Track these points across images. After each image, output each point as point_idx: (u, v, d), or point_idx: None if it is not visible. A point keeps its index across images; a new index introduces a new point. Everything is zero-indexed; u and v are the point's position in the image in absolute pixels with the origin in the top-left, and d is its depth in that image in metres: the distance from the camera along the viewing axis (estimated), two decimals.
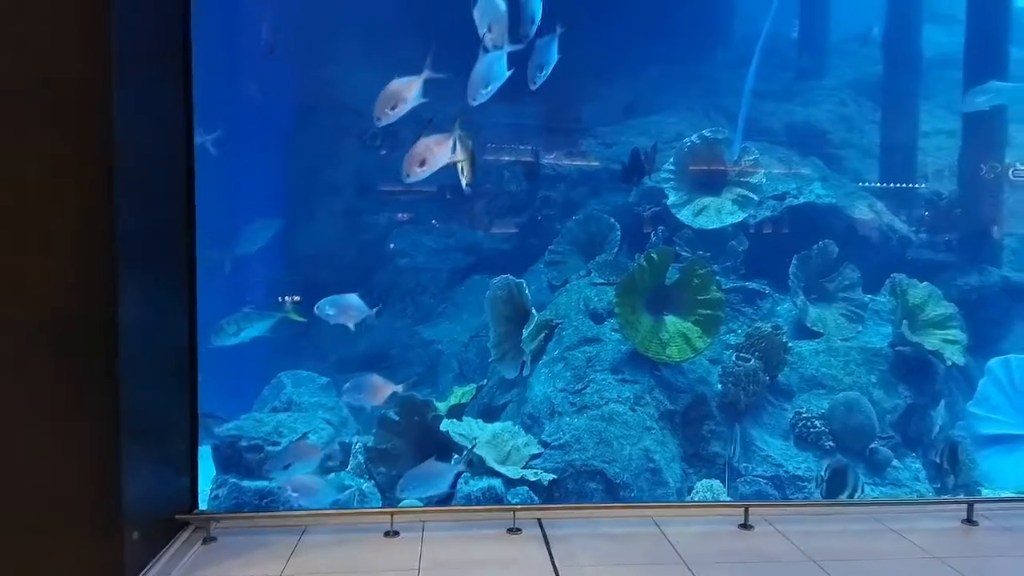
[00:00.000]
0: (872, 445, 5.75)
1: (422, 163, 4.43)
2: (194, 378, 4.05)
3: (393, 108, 4.46)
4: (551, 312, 6.67)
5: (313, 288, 6.45)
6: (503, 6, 4.45)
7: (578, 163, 8.35)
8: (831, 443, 5.80)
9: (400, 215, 8.52)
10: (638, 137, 8.41)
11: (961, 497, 4.95)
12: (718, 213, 6.98)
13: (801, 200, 7.17)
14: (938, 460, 5.43)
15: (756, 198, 7.04)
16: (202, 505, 4.69)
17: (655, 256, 6.06)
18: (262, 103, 8.09)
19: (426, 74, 4.47)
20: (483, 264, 8.02)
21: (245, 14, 7.84)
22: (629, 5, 9.12)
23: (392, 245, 8.41)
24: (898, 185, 8.22)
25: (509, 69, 4.58)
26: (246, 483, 5.20)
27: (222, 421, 5.46)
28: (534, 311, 6.24)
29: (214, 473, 5.41)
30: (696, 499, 5.44)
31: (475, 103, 4.57)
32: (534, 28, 4.61)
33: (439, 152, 4.43)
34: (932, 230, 7.46)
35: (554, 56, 4.87)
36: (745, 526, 4.05)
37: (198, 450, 4.10)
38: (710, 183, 7.21)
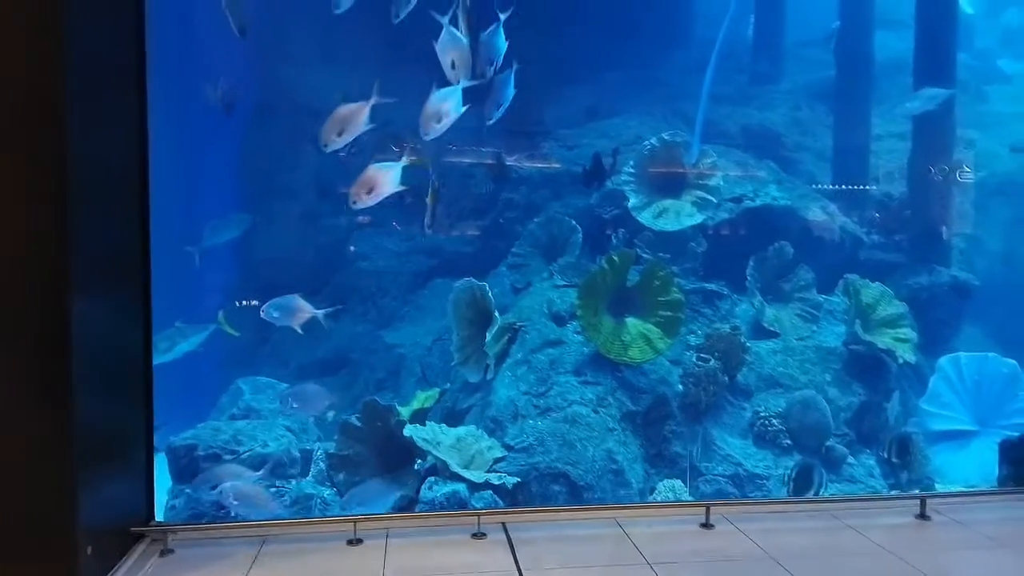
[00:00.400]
0: (828, 443, 5.87)
1: (369, 191, 4.48)
2: (149, 387, 3.95)
3: (340, 134, 4.48)
4: (514, 315, 6.67)
5: (271, 292, 6.35)
6: (466, 42, 4.48)
7: (540, 165, 8.37)
8: (788, 441, 5.91)
9: (361, 218, 8.44)
10: (599, 139, 8.48)
11: (914, 492, 5.08)
12: (677, 215, 7.06)
13: (758, 202, 7.28)
14: (886, 455, 5.57)
15: (714, 200, 7.14)
16: (159, 516, 4.59)
17: (616, 258, 6.11)
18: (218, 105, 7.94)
19: (374, 99, 4.49)
20: (445, 267, 7.99)
21: (202, 18, 7.70)
22: (589, 9, 9.19)
23: (353, 248, 8.33)
24: (850, 187, 8.42)
25: (464, 104, 4.64)
26: (202, 494, 5.08)
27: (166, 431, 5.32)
28: (497, 314, 6.24)
29: (170, 483, 5.30)
30: (658, 499, 5.49)
31: (428, 138, 4.61)
32: (492, 69, 4.65)
33: (386, 181, 4.47)
34: (883, 231, 7.65)
35: (511, 93, 4.94)
36: (706, 525, 4.10)
37: (154, 460, 4.01)
38: (670, 186, 7.29)
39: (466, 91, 4.93)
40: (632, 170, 7.25)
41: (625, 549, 3.81)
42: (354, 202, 4.62)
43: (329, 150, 4.57)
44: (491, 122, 5.00)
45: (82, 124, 3.17)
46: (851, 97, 8.94)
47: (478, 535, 3.94)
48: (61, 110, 3.01)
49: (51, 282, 3.04)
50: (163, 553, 3.74)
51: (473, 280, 6.39)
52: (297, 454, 5.70)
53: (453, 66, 4.52)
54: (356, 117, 4.48)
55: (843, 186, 8.47)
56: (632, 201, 7.15)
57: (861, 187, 8.44)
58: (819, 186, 8.38)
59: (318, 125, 8.11)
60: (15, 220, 3.02)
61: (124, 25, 3.76)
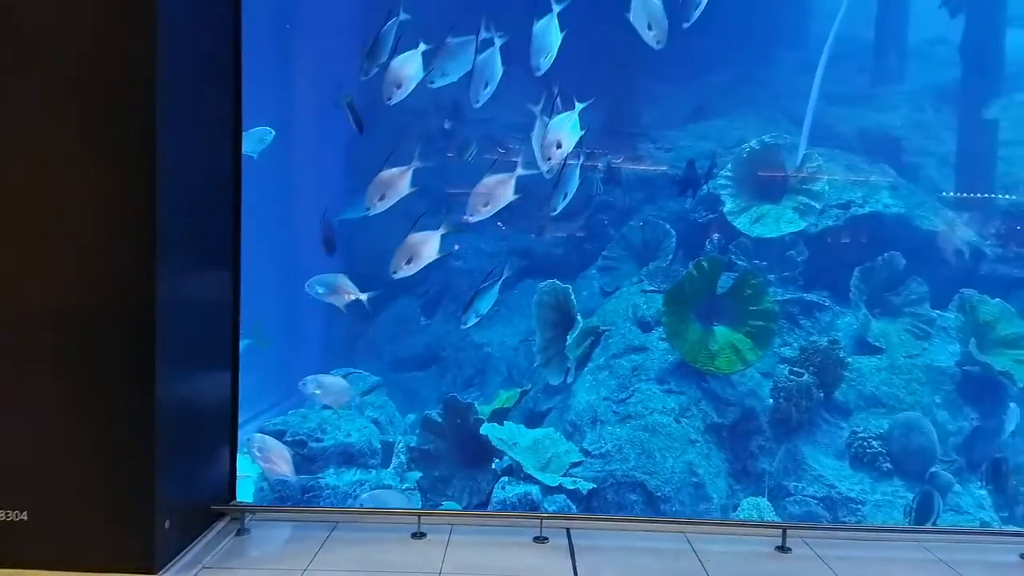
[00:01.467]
0: (933, 469, 5.45)
1: (409, 260, 4.61)
2: (235, 369, 4.15)
3: (382, 198, 4.60)
4: (599, 319, 6.58)
5: (366, 289, 6.54)
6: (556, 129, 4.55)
7: (636, 167, 8.22)
8: (888, 465, 5.53)
9: (456, 217, 8.55)
10: (699, 142, 8.23)
11: (1017, 529, 4.63)
12: (776, 222, 6.75)
13: (867, 209, 6.86)
14: (982, 481, 5.10)
15: (818, 206, 6.78)
16: (247, 497, 4.83)
17: (705, 264, 5.91)
18: (322, 102, 8.27)
19: (415, 164, 4.59)
20: (537, 268, 7.97)
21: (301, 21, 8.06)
22: (695, 4, 8.93)
23: (456, 247, 8.45)
24: (976, 195, 7.79)
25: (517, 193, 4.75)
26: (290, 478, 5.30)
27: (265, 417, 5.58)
28: (580, 317, 6.17)
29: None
30: (741, 517, 5.27)
31: (473, 219, 4.66)
32: (559, 153, 4.67)
33: (426, 250, 4.58)
34: (1010, 244, 7.01)
35: (576, 184, 4.98)
36: (782, 548, 3.89)
37: (238, 440, 4.20)
38: (769, 190, 6.99)
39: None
40: (729, 173, 6.99)
41: (690, 567, 3.67)
42: (394, 272, 4.81)
43: (372, 213, 4.72)
44: (555, 213, 5.10)
45: (174, 114, 3.35)
46: (982, 100, 8.28)
47: (540, 539, 3.90)
48: (152, 99, 3.19)
49: (140, 266, 3.23)
50: (240, 532, 3.92)
51: (557, 282, 6.35)
52: (378, 445, 5.84)
53: (548, 159, 4.65)
54: (399, 181, 4.63)
55: (967, 194, 7.86)
56: (728, 206, 6.89)
57: (988, 195, 7.79)
58: (942, 193, 7.80)
59: (417, 123, 8.34)
60: (105, 205, 3.23)
61: (219, 22, 3.95)
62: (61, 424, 3.23)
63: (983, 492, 5.45)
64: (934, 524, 4.91)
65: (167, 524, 3.39)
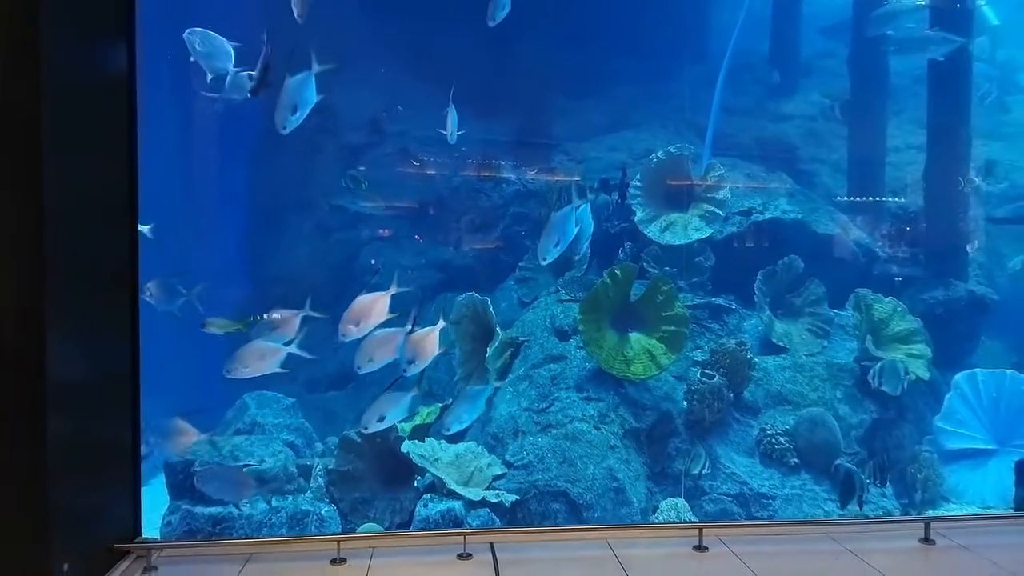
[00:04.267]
0: (837, 461, 5.70)
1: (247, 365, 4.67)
2: (136, 401, 3.95)
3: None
4: (517, 329, 6.61)
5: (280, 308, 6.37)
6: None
7: (549, 179, 8.34)
8: (796, 460, 5.76)
9: (370, 233, 8.44)
10: (609, 153, 8.43)
11: (917, 516, 4.90)
12: (684, 229, 6.96)
13: (767, 215, 7.16)
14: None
15: (722, 214, 7.03)
16: (153, 532, 4.59)
17: (618, 273, 6.03)
18: (228, 115, 8.02)
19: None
20: (455, 281, 7.95)
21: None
22: (603, 22, 9.16)
23: (372, 261, 8.34)
24: (866, 199, 8.24)
25: None
26: (199, 509, 5.07)
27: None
28: (499, 329, 6.18)
29: (167, 499, 5.29)
30: (660, 519, 5.38)
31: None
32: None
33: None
34: (899, 244, 7.46)
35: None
36: (700, 548, 3.98)
37: (140, 476, 4.00)
38: (677, 199, 7.20)
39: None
40: (638, 183, 7.17)
41: (613, 572, 3.71)
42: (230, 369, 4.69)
43: None
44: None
45: (63, 143, 3.18)
46: (870, 109, 8.78)
47: (464, 555, 3.86)
48: (36, 127, 3.02)
49: (25, 295, 3.04)
50: (146, 570, 3.72)
51: (475, 295, 6.34)
52: (294, 470, 5.67)
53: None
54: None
55: (859, 198, 8.30)
56: (639, 215, 7.06)
57: (877, 199, 8.26)
58: (835, 199, 8.21)
59: (332, 139, 8.19)
60: None
61: (112, 57, 3.79)
62: None
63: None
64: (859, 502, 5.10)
65: (66, 567, 3.18)
